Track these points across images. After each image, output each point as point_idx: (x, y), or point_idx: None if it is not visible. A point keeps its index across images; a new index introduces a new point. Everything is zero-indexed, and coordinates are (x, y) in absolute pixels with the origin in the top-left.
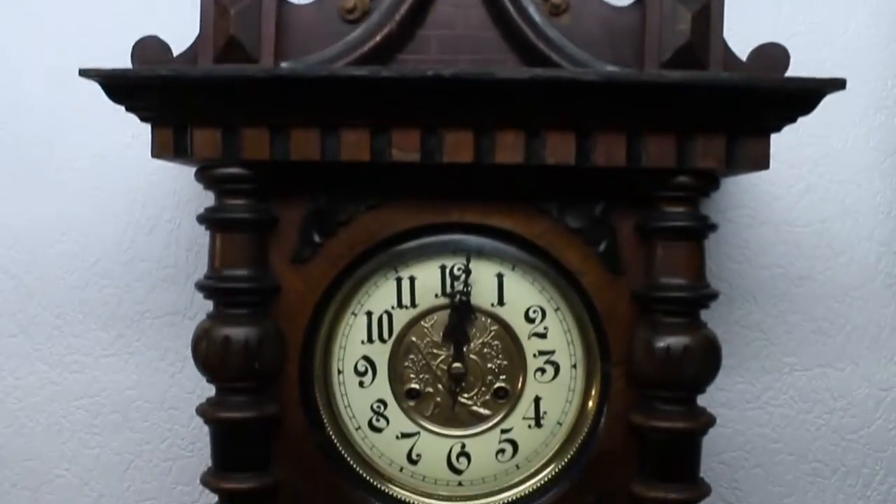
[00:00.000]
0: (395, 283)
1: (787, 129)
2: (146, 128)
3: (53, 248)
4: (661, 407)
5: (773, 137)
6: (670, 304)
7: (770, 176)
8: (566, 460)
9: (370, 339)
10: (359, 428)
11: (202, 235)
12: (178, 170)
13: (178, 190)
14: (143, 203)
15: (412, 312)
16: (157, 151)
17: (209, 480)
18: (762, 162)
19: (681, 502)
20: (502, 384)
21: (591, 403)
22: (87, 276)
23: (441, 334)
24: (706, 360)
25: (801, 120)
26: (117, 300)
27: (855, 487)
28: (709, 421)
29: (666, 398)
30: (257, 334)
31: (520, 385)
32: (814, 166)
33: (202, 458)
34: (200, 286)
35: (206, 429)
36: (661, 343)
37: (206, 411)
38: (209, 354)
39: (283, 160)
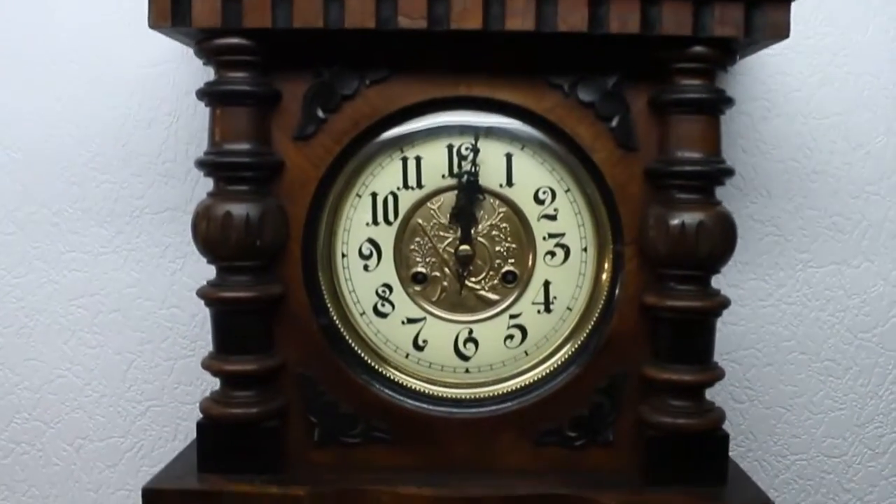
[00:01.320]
0: (400, 163)
1: (806, 17)
2: (142, 16)
3: (50, 144)
4: (675, 286)
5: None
6: (685, 179)
7: (787, 66)
8: (577, 345)
9: (375, 221)
10: (363, 313)
11: (202, 129)
12: (176, 62)
13: (177, 83)
14: (142, 96)
15: (418, 193)
16: (155, 21)
17: (210, 364)
18: (782, 30)
19: (694, 384)
20: (511, 268)
21: (602, 286)
22: (84, 171)
23: (448, 216)
24: (721, 237)
25: (821, 9)
26: (116, 196)
27: (867, 387)
28: (723, 301)
29: (680, 277)
30: (259, 210)
31: (529, 268)
32: (832, 57)
33: (204, 356)
34: (200, 162)
35: (207, 326)
36: (676, 220)
37: (206, 293)
38: (209, 232)
39: (286, 28)
